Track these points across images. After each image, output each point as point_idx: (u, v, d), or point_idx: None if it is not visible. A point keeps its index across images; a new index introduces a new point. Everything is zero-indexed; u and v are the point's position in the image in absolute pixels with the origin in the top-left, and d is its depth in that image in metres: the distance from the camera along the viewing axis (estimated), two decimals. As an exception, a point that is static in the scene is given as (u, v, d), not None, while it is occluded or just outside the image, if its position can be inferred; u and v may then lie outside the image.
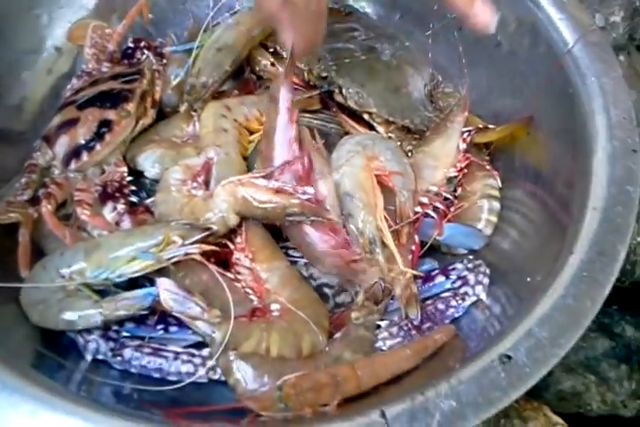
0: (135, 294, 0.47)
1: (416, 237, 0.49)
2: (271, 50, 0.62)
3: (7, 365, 0.38)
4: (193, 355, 0.46)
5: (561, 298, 0.39)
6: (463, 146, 0.53)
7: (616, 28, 0.70)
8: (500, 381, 0.36)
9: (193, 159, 0.52)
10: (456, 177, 0.54)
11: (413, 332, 0.46)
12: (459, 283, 0.48)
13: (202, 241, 0.47)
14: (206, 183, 0.51)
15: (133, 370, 0.46)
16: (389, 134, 0.55)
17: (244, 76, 0.61)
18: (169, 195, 0.51)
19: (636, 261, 0.57)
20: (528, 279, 0.44)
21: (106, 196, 0.51)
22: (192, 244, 0.47)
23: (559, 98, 0.48)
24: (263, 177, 0.48)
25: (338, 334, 0.46)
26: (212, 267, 0.47)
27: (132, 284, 0.49)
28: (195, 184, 0.50)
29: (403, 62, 0.59)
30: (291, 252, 0.51)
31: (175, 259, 0.47)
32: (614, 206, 0.41)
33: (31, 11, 0.57)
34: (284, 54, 0.58)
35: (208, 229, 0.48)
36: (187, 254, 0.47)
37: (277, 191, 0.47)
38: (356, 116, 0.58)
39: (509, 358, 0.37)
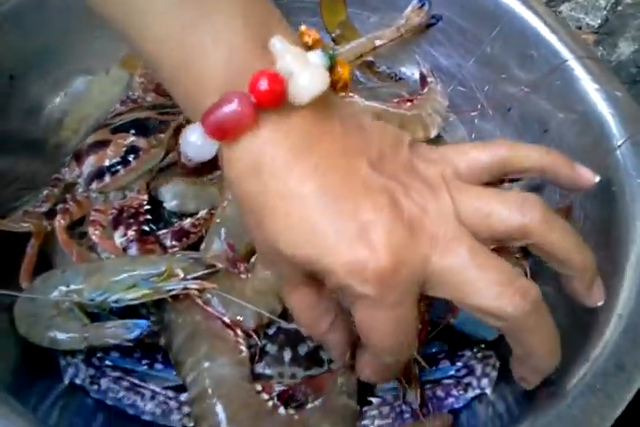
0: (123, 324, 0.45)
1: (426, 316, 0.45)
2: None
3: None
4: (170, 398, 0.44)
5: (566, 408, 0.35)
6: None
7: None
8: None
9: None
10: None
11: (406, 415, 0.42)
12: (464, 371, 0.45)
13: (204, 278, 0.46)
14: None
15: (109, 402, 0.44)
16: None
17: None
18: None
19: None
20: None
21: (119, 220, 0.50)
22: (194, 279, 0.46)
23: (601, 193, 0.46)
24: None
25: (317, 402, 0.43)
26: (209, 309, 0.45)
27: (131, 313, 0.48)
28: None
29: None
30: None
31: (174, 292, 0.45)
32: (640, 318, 0.38)
33: (91, 31, 0.57)
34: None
35: (213, 266, 0.46)
36: (185, 289, 0.46)
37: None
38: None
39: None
